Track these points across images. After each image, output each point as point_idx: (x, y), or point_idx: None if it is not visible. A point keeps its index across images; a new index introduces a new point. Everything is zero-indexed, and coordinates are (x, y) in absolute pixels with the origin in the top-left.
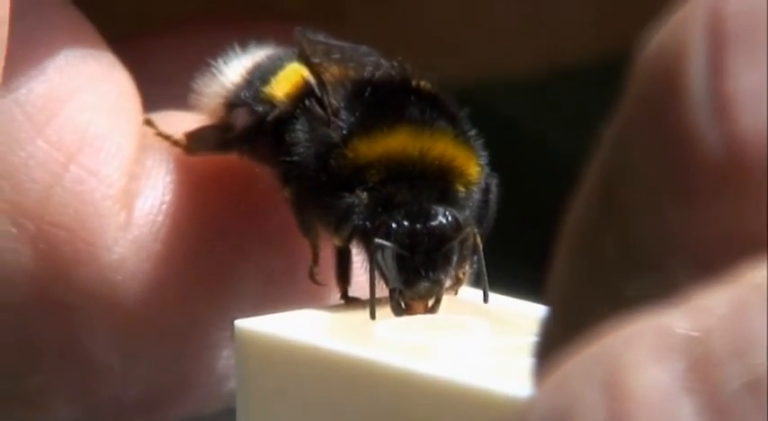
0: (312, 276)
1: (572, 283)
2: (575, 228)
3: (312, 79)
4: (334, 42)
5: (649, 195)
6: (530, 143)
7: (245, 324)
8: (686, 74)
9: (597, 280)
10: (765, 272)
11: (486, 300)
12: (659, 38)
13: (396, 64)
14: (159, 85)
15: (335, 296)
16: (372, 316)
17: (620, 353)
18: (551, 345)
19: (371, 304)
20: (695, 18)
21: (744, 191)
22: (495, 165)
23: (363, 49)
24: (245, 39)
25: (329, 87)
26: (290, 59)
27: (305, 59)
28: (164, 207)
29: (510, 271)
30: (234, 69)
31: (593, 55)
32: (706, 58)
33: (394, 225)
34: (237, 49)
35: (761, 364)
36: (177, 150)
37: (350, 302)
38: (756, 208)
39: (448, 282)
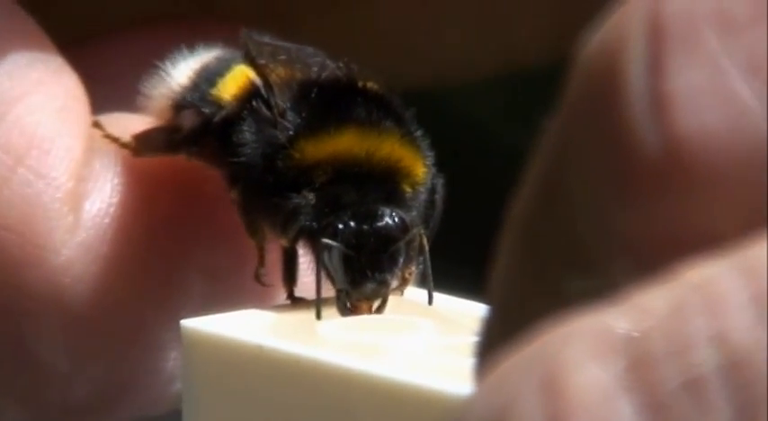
0: (258, 277)
1: (513, 281)
2: (517, 225)
3: (258, 80)
4: (280, 43)
5: (590, 194)
6: (482, 142)
7: (192, 323)
8: (625, 72)
9: (538, 277)
10: (704, 271)
11: (430, 302)
12: (599, 35)
13: (342, 64)
14: (108, 87)
15: (282, 296)
16: (318, 316)
17: (558, 351)
18: (492, 344)
19: (318, 304)
20: (635, 16)
21: (682, 190)
22: (444, 164)
23: (309, 49)
24: (193, 40)
25: (276, 88)
26: (237, 61)
27: (251, 61)
28: (111, 209)
29: (456, 270)
30: (181, 71)
31: (550, 54)
32: (645, 56)
33: (341, 225)
34: (185, 50)
35: (698, 364)
36: (125, 152)
37: (296, 302)
38: (694, 207)
39: (394, 283)
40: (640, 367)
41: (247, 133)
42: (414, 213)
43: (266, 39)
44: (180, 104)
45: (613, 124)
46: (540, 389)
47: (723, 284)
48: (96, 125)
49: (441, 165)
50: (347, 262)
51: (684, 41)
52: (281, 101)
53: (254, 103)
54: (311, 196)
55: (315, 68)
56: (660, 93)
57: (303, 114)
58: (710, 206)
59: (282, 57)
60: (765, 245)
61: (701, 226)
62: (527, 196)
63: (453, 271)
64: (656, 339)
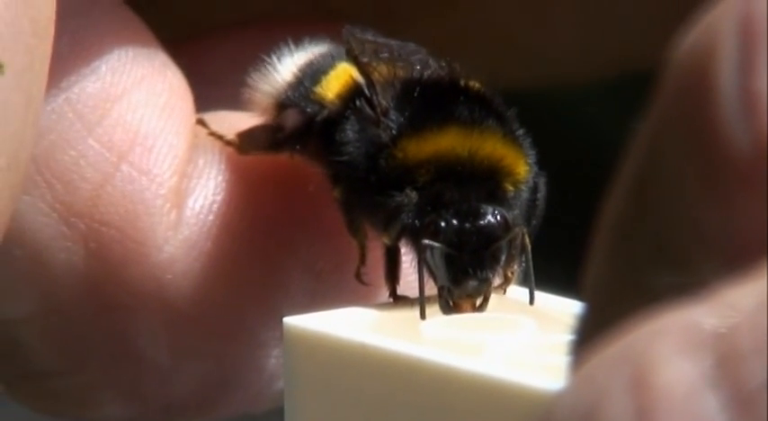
0: (359, 276)
1: (605, 279)
2: (609, 225)
3: (361, 79)
4: (382, 40)
5: (680, 192)
6: (588, 144)
7: (294, 321)
8: (717, 72)
9: (629, 275)
10: None
11: (531, 301)
12: (691, 37)
13: (444, 63)
14: (212, 86)
15: (383, 295)
16: (422, 315)
17: (646, 348)
18: (585, 341)
19: (421, 303)
20: (726, 18)
21: None
22: (549, 165)
23: (411, 46)
24: (299, 37)
25: (378, 87)
26: (341, 58)
27: (353, 59)
28: (214, 206)
29: (558, 269)
30: (286, 66)
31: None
32: (736, 57)
33: (443, 224)
34: (291, 45)
35: None
36: (229, 150)
37: (398, 301)
38: None
39: (496, 281)
40: (727, 363)
41: (350, 132)
42: (516, 212)
43: (369, 35)
44: (283, 103)
45: (704, 123)
46: (629, 384)
47: None
48: (200, 122)
49: (543, 163)
50: (449, 260)
51: None
52: (384, 100)
53: (357, 101)
54: (414, 195)
55: (417, 66)
56: (751, 92)
57: (406, 113)
58: None
59: (385, 54)
60: None
61: None
62: (619, 195)
63: (556, 268)
64: (743, 335)
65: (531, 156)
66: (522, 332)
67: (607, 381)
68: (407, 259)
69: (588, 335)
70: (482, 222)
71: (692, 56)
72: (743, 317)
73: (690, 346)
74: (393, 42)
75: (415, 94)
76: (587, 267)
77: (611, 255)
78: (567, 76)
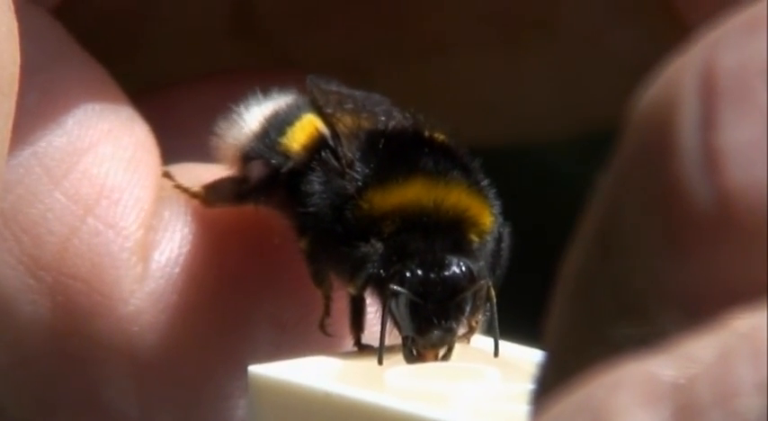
0: (323, 327)
1: (566, 329)
2: (571, 275)
3: (326, 130)
4: (345, 91)
5: (641, 245)
6: (560, 197)
7: (259, 370)
8: (678, 126)
9: (590, 326)
10: (751, 321)
11: (496, 353)
12: (653, 90)
13: (408, 114)
14: (179, 137)
15: (348, 346)
16: (380, 361)
17: (605, 399)
18: (546, 390)
19: (380, 349)
20: (688, 71)
21: (732, 243)
22: (517, 217)
23: (375, 97)
24: (266, 87)
25: (343, 139)
26: (306, 109)
27: (317, 110)
28: (180, 259)
29: (522, 318)
30: (254, 117)
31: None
32: (698, 111)
33: (408, 273)
34: (260, 95)
35: (744, 412)
36: (195, 202)
37: (363, 349)
38: (744, 260)
39: (461, 331)
40: (686, 414)
41: (316, 183)
42: (481, 263)
43: (333, 86)
44: (249, 154)
45: (666, 177)
46: None
47: None
48: (166, 175)
49: (511, 215)
50: (414, 309)
51: (737, 96)
52: (349, 151)
53: (322, 153)
54: (379, 245)
55: (382, 117)
56: (712, 147)
57: (371, 165)
58: (760, 258)
59: (349, 105)
60: None
61: (751, 277)
62: (581, 246)
63: (520, 318)
64: (701, 386)
65: (496, 206)
66: (485, 381)
67: None
68: (372, 309)
69: (549, 385)
70: (447, 273)
71: (653, 109)
72: (702, 368)
73: (649, 398)
74: (357, 93)
75: (380, 145)
76: (548, 316)
77: (572, 306)
78: (538, 132)
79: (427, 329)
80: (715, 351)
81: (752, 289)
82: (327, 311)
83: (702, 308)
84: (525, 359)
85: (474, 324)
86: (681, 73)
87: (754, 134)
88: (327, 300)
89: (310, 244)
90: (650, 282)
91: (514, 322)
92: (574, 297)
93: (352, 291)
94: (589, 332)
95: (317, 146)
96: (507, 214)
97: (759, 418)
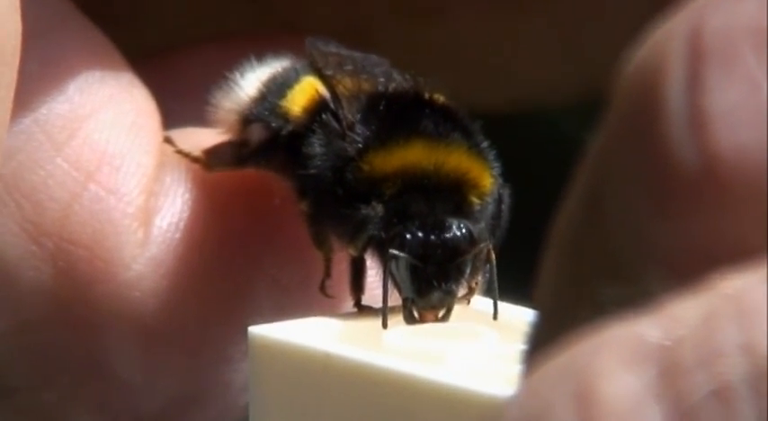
0: (323, 289)
1: (556, 290)
2: (561, 236)
3: (326, 92)
4: (345, 52)
5: (629, 206)
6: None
7: (259, 330)
8: (665, 88)
9: (578, 287)
10: (736, 282)
11: (495, 314)
12: (641, 53)
13: (408, 76)
14: (180, 101)
15: (348, 307)
16: (385, 324)
17: (591, 360)
18: (537, 351)
19: (384, 312)
20: (676, 35)
21: (717, 204)
22: (513, 176)
23: (374, 58)
24: (262, 52)
25: (344, 101)
26: (305, 72)
27: (317, 72)
28: (181, 224)
29: (521, 279)
30: (250, 82)
31: None
32: (685, 73)
33: (408, 236)
34: (254, 61)
35: (728, 373)
36: (196, 167)
37: (363, 311)
38: (729, 221)
39: (460, 292)
40: (670, 375)
41: (316, 146)
42: (481, 225)
43: (332, 47)
44: (248, 118)
45: (653, 140)
46: (573, 397)
47: (754, 295)
48: (167, 140)
49: (512, 177)
50: (414, 272)
51: (723, 59)
52: (350, 113)
53: (322, 115)
54: (380, 207)
55: (381, 79)
56: (698, 109)
57: (372, 127)
58: (745, 220)
59: (349, 67)
60: None
61: (735, 239)
62: (571, 208)
63: (520, 279)
64: (686, 348)
65: (496, 168)
66: (484, 341)
67: (552, 393)
68: (372, 272)
69: (539, 345)
70: (448, 235)
71: (641, 72)
72: (687, 330)
73: (634, 359)
74: (356, 54)
75: (381, 108)
76: (540, 278)
77: (561, 267)
78: (542, 97)
79: (427, 291)
80: (700, 312)
81: (737, 250)
82: (328, 273)
83: (688, 269)
84: (523, 320)
85: (473, 285)
86: (668, 36)
87: (741, 97)
88: (328, 261)
89: (311, 206)
90: (637, 244)
91: (514, 283)
92: (563, 258)
93: (352, 252)
94: (577, 293)
95: (318, 108)
96: (511, 177)
97: (743, 379)
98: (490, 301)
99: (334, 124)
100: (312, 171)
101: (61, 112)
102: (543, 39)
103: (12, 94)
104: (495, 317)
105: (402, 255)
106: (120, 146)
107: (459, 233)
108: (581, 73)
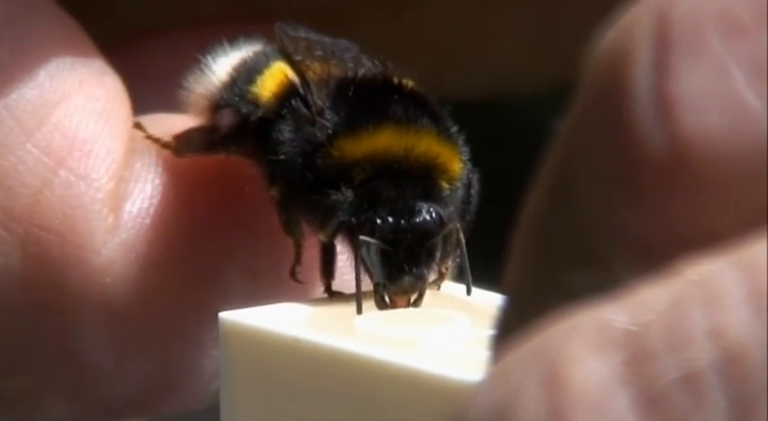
0: (294, 274)
1: (524, 276)
2: (529, 221)
3: (296, 78)
4: (314, 37)
5: (597, 191)
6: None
7: (230, 316)
8: (632, 74)
9: (547, 273)
10: (704, 268)
11: (469, 292)
12: (608, 39)
13: (377, 61)
14: (149, 88)
15: (319, 294)
16: (359, 310)
17: (560, 345)
18: (506, 336)
19: (358, 299)
20: (643, 19)
21: (684, 189)
22: (482, 160)
23: (343, 43)
24: (234, 37)
25: (313, 86)
26: (275, 57)
27: (287, 57)
28: (152, 209)
29: (492, 264)
30: (221, 67)
31: None
32: (651, 58)
33: (379, 221)
34: (226, 45)
35: (695, 358)
36: (166, 153)
37: (333, 296)
38: (696, 206)
39: (431, 277)
40: (638, 360)
41: (286, 131)
42: (451, 209)
43: (301, 32)
44: (219, 103)
45: (620, 124)
46: (541, 382)
47: (722, 280)
48: (137, 126)
49: (482, 163)
50: (385, 256)
51: (690, 44)
52: (319, 99)
53: (292, 101)
54: (350, 193)
55: (351, 64)
56: (665, 94)
57: (341, 113)
58: (712, 205)
59: (318, 52)
60: (765, 243)
61: (703, 224)
62: (540, 194)
63: (491, 264)
64: (653, 333)
65: (466, 153)
66: (455, 327)
67: (521, 378)
68: (343, 257)
69: (508, 331)
70: (417, 219)
71: (608, 57)
72: (654, 315)
73: (602, 344)
74: (325, 39)
75: (350, 93)
76: (509, 263)
77: (530, 252)
78: (515, 84)
79: (398, 276)
80: (667, 298)
81: (704, 236)
82: (298, 259)
83: (655, 254)
84: (495, 305)
85: (444, 270)
86: (636, 20)
87: (708, 81)
88: (298, 247)
89: (281, 192)
90: (604, 229)
91: (485, 269)
92: (532, 244)
93: (322, 238)
94: (546, 278)
95: (287, 94)
96: (482, 163)
97: (710, 364)
98: (461, 287)
99: (304, 110)
100: (282, 157)
101: (31, 98)
102: (516, 26)
103: None
104: (468, 292)
105: (372, 240)
106: (91, 132)
107: (428, 217)
108: (553, 60)
